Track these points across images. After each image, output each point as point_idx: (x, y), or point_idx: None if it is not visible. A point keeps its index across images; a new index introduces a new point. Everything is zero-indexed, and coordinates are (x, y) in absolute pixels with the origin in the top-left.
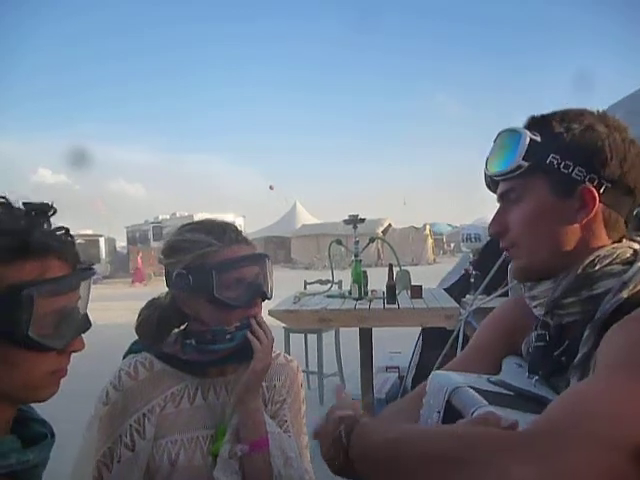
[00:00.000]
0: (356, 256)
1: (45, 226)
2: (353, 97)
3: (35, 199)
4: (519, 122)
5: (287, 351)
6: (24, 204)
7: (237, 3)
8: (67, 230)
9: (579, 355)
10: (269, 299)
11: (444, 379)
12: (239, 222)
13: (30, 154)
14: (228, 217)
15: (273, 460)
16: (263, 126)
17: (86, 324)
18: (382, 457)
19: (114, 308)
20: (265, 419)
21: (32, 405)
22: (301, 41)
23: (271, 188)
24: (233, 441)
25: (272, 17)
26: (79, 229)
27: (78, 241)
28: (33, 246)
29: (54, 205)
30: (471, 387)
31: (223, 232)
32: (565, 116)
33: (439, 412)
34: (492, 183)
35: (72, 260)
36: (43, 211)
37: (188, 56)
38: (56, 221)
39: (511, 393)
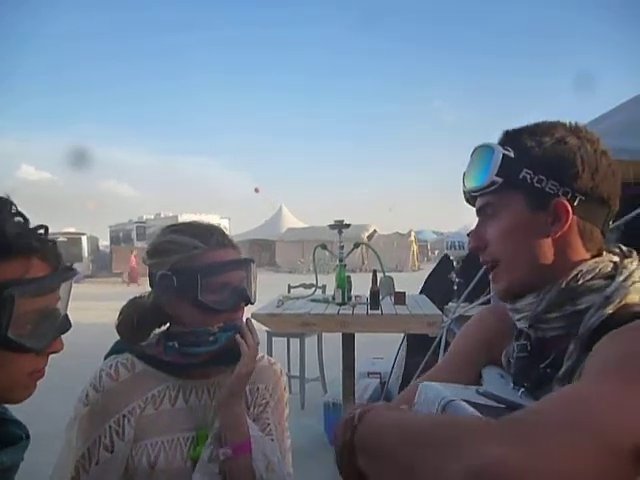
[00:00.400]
0: (340, 261)
1: (26, 224)
2: (342, 101)
3: (16, 196)
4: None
5: (269, 355)
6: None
7: (236, 7)
8: (46, 229)
9: (563, 368)
10: (252, 304)
11: (435, 392)
12: (224, 224)
13: (15, 151)
14: (213, 219)
15: (255, 464)
16: (252, 129)
17: (66, 325)
18: (377, 441)
19: (95, 308)
20: (248, 422)
21: (8, 405)
22: (293, 45)
23: (256, 191)
24: (215, 445)
25: (268, 22)
26: (61, 227)
27: (60, 239)
28: (16, 246)
29: (37, 202)
30: (464, 400)
31: (209, 235)
32: (537, 129)
33: None
34: (470, 198)
35: (54, 260)
36: (17, 210)
37: (185, 59)
38: (37, 218)
39: (502, 406)
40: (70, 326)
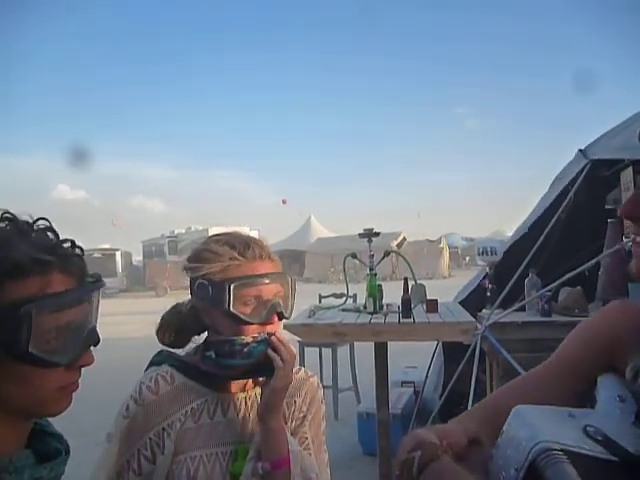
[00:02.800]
0: (371, 270)
1: (49, 240)
2: (368, 105)
3: (54, 215)
4: (542, 139)
5: (302, 365)
6: (25, 221)
7: (264, 13)
8: (73, 242)
9: None
10: (287, 319)
11: (528, 429)
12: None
13: (50, 172)
14: (243, 231)
15: None
16: (275, 140)
17: (94, 338)
18: None
19: (129, 322)
20: (287, 437)
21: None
22: (317, 49)
23: (284, 202)
24: (256, 459)
25: (294, 25)
26: (97, 243)
27: (95, 255)
28: (31, 263)
29: (73, 220)
30: (564, 450)
31: (247, 247)
32: None
33: (517, 470)
34: None
35: (77, 273)
36: (48, 226)
37: (205, 78)
38: (75, 235)
39: (615, 459)
40: (98, 339)
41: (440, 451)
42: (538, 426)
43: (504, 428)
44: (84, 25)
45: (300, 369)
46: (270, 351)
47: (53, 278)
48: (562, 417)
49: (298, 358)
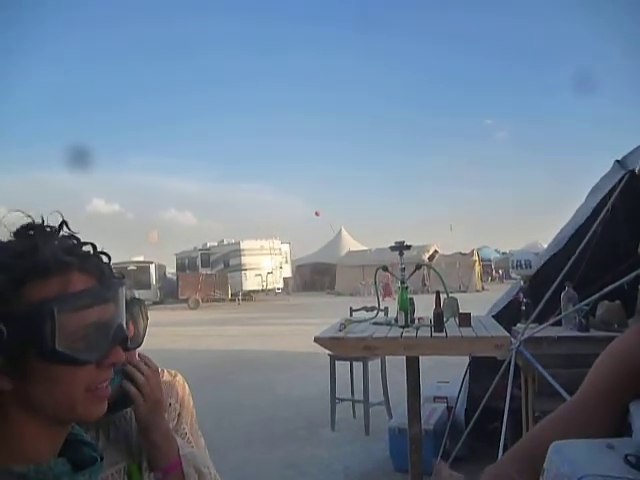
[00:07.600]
0: (402, 283)
1: (69, 242)
2: (398, 123)
3: (90, 227)
4: (577, 149)
5: (332, 378)
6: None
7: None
8: (94, 246)
9: None
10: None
11: (569, 464)
12: (285, 249)
13: (84, 186)
14: (275, 244)
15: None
16: (308, 154)
17: (121, 335)
18: None
19: (161, 334)
20: (177, 443)
21: None
22: (343, 68)
23: (317, 214)
24: (150, 469)
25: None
26: (131, 256)
27: (130, 267)
28: (52, 263)
29: (108, 233)
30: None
31: None
32: None
33: None
34: None
35: (96, 273)
36: (70, 233)
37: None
38: (110, 248)
39: None
40: (126, 336)
41: None
42: (579, 460)
43: (545, 466)
44: (112, 37)
45: (163, 371)
46: (125, 383)
47: (73, 278)
48: (601, 449)
49: (329, 371)
